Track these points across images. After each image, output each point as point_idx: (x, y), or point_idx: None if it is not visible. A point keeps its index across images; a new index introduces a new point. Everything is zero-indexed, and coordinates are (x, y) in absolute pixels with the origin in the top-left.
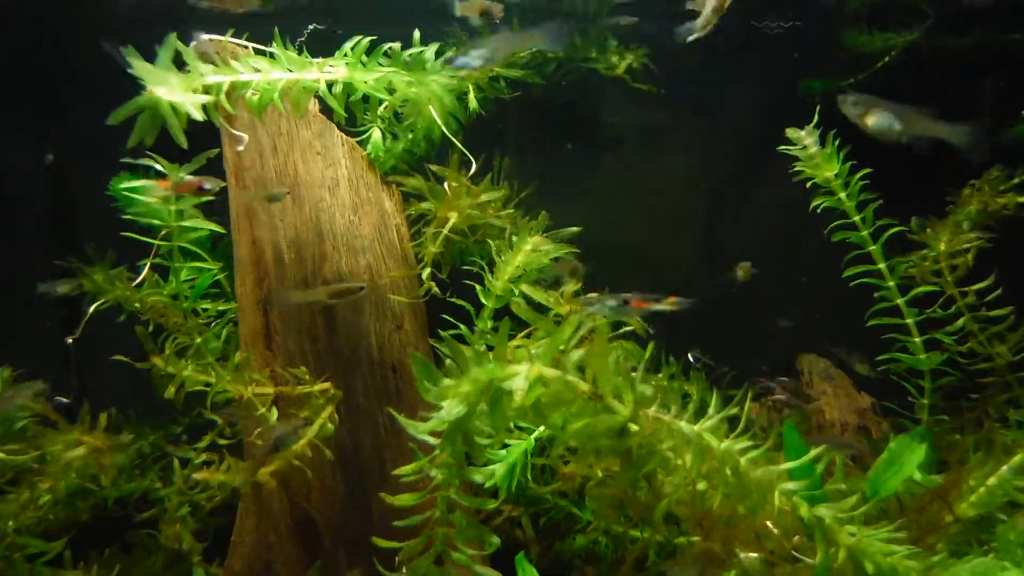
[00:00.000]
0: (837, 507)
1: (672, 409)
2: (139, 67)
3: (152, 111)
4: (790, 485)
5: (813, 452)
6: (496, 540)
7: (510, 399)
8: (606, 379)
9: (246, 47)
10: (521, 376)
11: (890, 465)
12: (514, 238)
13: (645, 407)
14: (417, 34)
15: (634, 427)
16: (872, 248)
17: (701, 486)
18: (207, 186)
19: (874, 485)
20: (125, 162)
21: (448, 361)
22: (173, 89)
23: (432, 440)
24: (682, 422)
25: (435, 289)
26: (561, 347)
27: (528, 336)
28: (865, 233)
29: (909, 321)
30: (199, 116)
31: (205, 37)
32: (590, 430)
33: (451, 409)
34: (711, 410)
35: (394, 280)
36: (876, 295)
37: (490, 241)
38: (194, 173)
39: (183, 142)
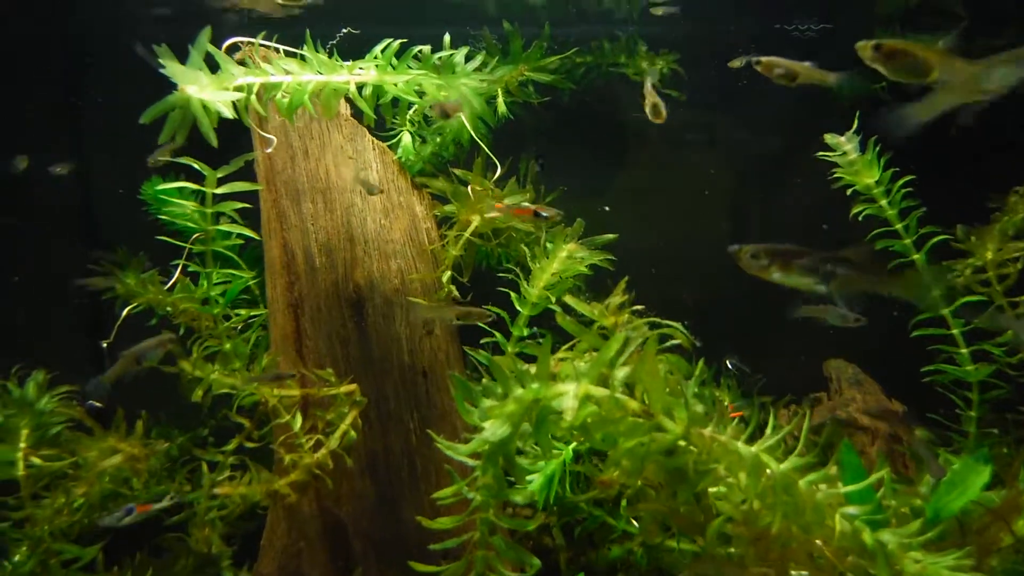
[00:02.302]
0: (901, 532)
1: (728, 429)
2: (171, 67)
3: (183, 109)
4: (851, 509)
5: (873, 476)
6: (537, 562)
7: (556, 419)
8: (658, 397)
9: (277, 50)
10: (570, 395)
11: (953, 487)
12: (548, 244)
13: (698, 426)
14: (448, 37)
15: (685, 444)
16: (916, 257)
17: (756, 505)
18: (545, 214)
19: (935, 507)
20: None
21: (485, 380)
22: (204, 88)
23: (470, 461)
24: (739, 443)
25: (455, 292)
26: (608, 363)
27: (571, 349)
28: (908, 241)
29: (955, 331)
30: (229, 114)
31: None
32: (642, 450)
33: (495, 430)
34: (768, 430)
35: (425, 284)
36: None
37: (523, 247)
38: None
39: (214, 140)
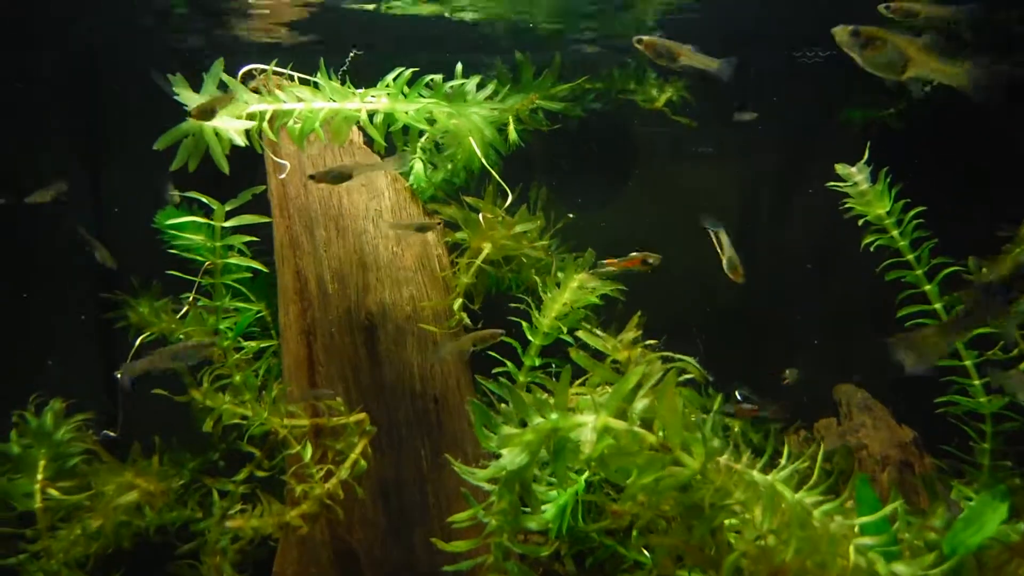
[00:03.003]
0: (916, 564)
1: (743, 458)
2: (184, 95)
3: (196, 137)
4: (866, 540)
5: (887, 508)
6: None
7: (575, 450)
8: (675, 432)
9: (291, 77)
10: (588, 427)
11: (969, 524)
12: (560, 274)
13: (714, 458)
14: (460, 67)
15: (702, 479)
16: (928, 288)
17: (771, 541)
18: (650, 260)
19: (952, 543)
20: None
21: (503, 406)
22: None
23: (487, 486)
24: (755, 471)
25: (466, 320)
26: (626, 397)
27: (583, 383)
28: (920, 272)
29: (968, 363)
30: (242, 142)
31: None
32: (658, 484)
33: (513, 458)
34: (783, 460)
35: (436, 311)
36: None
37: (535, 276)
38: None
39: (225, 168)
